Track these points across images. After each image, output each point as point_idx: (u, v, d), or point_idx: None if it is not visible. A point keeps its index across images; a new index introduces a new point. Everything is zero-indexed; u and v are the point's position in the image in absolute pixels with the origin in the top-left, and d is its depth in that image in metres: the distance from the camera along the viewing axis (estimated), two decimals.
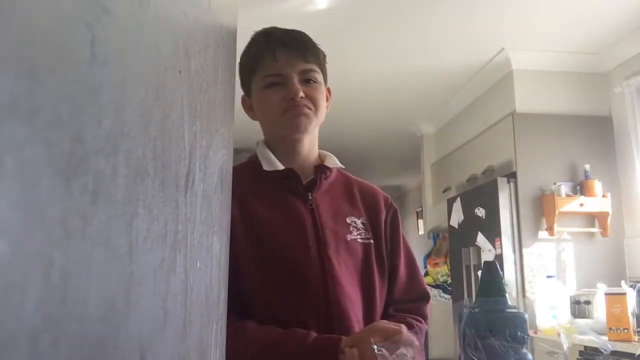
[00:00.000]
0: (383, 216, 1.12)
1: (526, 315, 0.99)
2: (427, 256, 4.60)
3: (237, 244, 0.94)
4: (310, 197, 1.05)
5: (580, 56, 3.41)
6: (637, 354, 2.17)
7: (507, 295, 1.01)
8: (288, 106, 1.03)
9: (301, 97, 1.02)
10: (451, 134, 4.44)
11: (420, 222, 6.10)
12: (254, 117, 1.12)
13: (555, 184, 3.19)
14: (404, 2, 2.85)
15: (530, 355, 0.93)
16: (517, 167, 3.26)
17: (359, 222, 1.08)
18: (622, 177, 3.28)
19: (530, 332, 2.66)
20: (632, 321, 2.38)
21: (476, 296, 1.02)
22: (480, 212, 3.42)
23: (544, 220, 3.18)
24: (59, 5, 0.23)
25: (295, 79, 1.03)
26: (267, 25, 1.13)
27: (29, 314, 0.21)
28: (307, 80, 1.05)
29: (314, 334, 0.92)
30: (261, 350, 0.92)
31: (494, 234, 3.25)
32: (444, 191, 4.37)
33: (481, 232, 3.37)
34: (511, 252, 3.18)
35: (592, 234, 3.22)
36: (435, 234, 4.62)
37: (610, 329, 2.43)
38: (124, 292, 0.32)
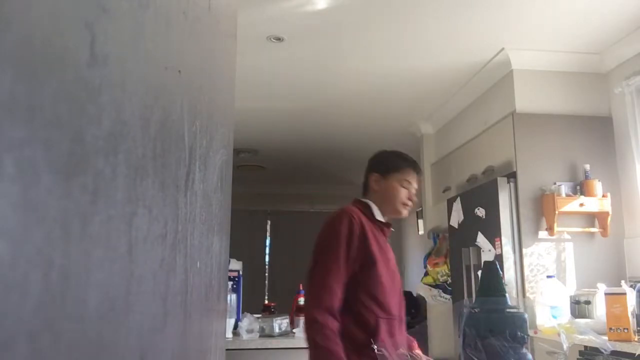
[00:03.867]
0: None
1: (526, 315, 0.99)
2: (427, 256, 4.59)
3: (375, 259, 1.72)
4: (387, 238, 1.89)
5: (580, 56, 3.41)
6: (637, 354, 2.16)
7: (507, 295, 1.01)
8: (407, 203, 1.87)
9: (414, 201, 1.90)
10: (451, 134, 4.44)
11: (420, 222, 6.09)
12: (376, 188, 1.89)
13: (555, 184, 3.18)
14: (404, 2, 2.85)
15: (530, 355, 0.93)
16: (517, 167, 3.26)
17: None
18: (622, 177, 3.28)
19: (530, 332, 2.66)
20: (632, 321, 2.38)
21: (476, 296, 1.02)
22: (480, 212, 3.42)
23: (544, 220, 3.17)
24: (59, 5, 0.23)
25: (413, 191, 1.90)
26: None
27: (29, 314, 0.21)
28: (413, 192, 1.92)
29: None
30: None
31: (494, 234, 3.25)
32: (444, 191, 4.37)
33: (481, 232, 3.37)
34: (511, 252, 3.18)
35: (592, 234, 3.22)
36: (435, 234, 4.62)
37: (610, 329, 2.43)
38: (124, 292, 0.32)
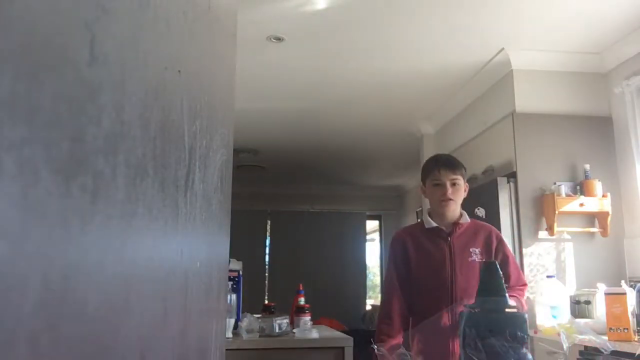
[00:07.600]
0: (494, 245, 1.96)
1: (526, 315, 0.99)
2: None
3: (414, 267, 1.94)
4: (449, 239, 1.94)
5: (580, 56, 3.40)
6: (637, 354, 2.16)
7: (507, 295, 1.01)
8: (443, 199, 1.95)
9: (449, 194, 1.94)
10: (451, 134, 4.44)
11: None
12: (425, 196, 2.08)
13: (555, 184, 3.18)
14: (404, 2, 2.85)
15: (530, 355, 0.93)
16: (517, 167, 3.26)
17: (477, 250, 1.93)
18: (622, 177, 3.28)
19: (530, 332, 2.66)
20: (632, 321, 2.38)
21: (476, 296, 1.02)
22: (480, 212, 3.42)
23: (544, 220, 3.17)
24: (58, 5, 0.23)
25: (448, 184, 1.94)
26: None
27: (29, 314, 0.21)
28: (453, 184, 1.95)
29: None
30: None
31: None
32: None
33: None
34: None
35: (592, 234, 3.22)
36: None
37: (610, 329, 2.42)
38: (124, 292, 0.32)
